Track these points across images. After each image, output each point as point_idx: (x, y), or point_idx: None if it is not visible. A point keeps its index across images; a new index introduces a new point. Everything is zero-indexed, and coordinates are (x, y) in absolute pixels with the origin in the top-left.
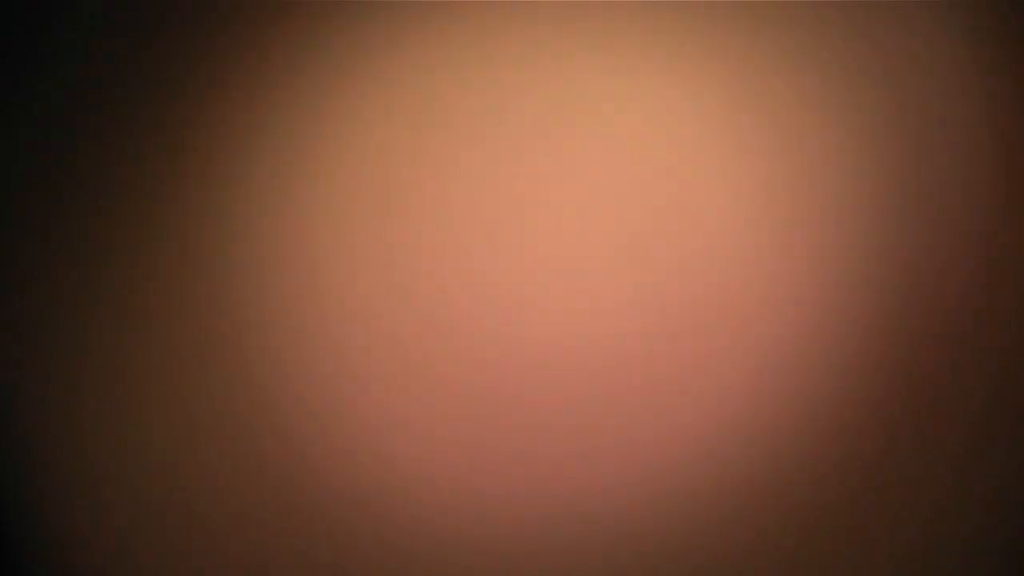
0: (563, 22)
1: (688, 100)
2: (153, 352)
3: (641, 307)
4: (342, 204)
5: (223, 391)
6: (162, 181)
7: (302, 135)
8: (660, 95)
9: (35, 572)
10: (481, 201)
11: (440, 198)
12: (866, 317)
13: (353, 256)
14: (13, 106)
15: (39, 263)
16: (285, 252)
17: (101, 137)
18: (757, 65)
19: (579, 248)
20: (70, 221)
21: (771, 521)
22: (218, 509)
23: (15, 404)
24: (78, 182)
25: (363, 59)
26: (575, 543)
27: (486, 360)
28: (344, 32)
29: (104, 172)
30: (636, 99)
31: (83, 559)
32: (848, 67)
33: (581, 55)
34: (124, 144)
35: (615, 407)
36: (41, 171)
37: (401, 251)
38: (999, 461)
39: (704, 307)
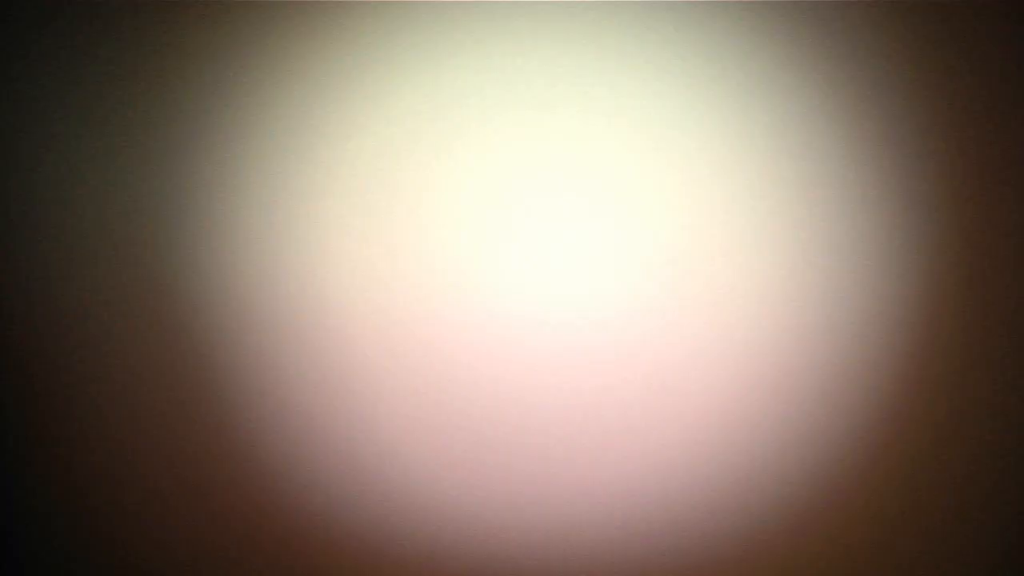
0: (559, 22)
1: (685, 99)
2: (144, 351)
3: (641, 307)
4: (340, 203)
5: (214, 391)
6: (156, 180)
7: (298, 134)
8: (657, 93)
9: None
10: (477, 201)
11: (437, 197)
12: (868, 314)
13: (351, 254)
14: (8, 103)
15: (34, 260)
16: (282, 250)
17: (94, 132)
18: (755, 64)
19: (578, 248)
20: (62, 216)
21: (773, 520)
22: (208, 508)
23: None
24: (72, 175)
25: (359, 58)
26: (574, 543)
27: (483, 359)
28: (340, 32)
29: (97, 169)
30: (633, 98)
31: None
32: (845, 67)
33: (577, 56)
34: (118, 142)
35: (615, 406)
36: (31, 164)
37: (399, 250)
38: (1002, 461)
39: (704, 306)
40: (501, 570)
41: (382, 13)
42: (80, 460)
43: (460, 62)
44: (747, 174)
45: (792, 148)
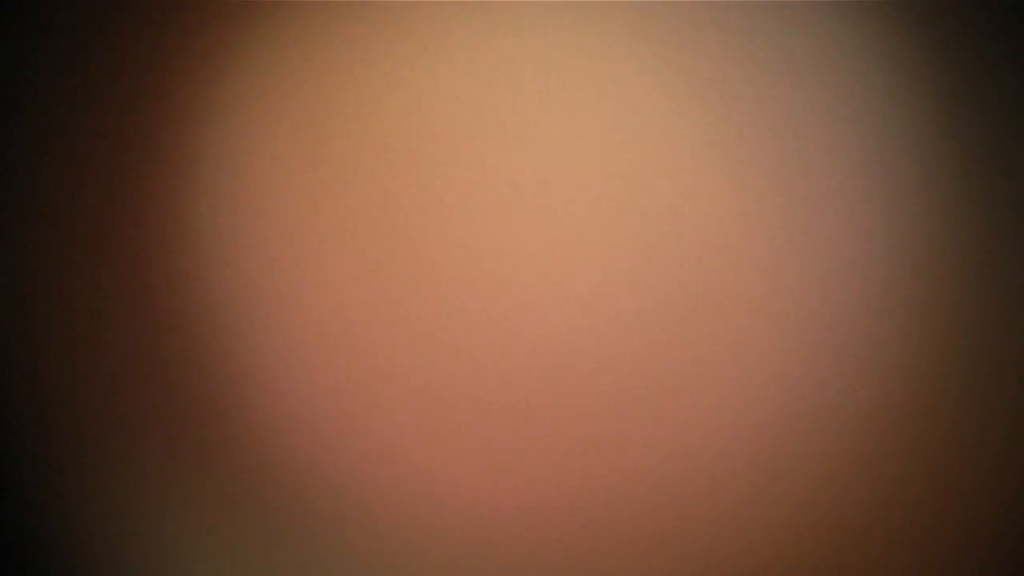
0: (561, 24)
1: (687, 99)
2: (142, 350)
3: (642, 309)
4: (340, 203)
5: (212, 391)
6: (157, 178)
7: (298, 134)
8: (659, 93)
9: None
10: (478, 202)
11: (439, 198)
12: (869, 316)
13: (351, 253)
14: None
15: (24, 258)
16: (282, 249)
17: (82, 130)
18: (753, 68)
19: (579, 249)
20: (44, 215)
21: (776, 522)
22: (207, 506)
23: None
24: (51, 174)
25: (360, 58)
26: (573, 544)
27: (484, 359)
28: (342, 30)
29: (85, 166)
30: (635, 97)
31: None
32: (847, 67)
33: (578, 57)
34: (118, 140)
35: (615, 408)
36: (24, 161)
37: (399, 250)
38: (1004, 460)
39: (705, 307)
40: (500, 567)
41: (381, 13)
42: (77, 459)
43: (460, 61)
44: (749, 174)
45: (795, 148)
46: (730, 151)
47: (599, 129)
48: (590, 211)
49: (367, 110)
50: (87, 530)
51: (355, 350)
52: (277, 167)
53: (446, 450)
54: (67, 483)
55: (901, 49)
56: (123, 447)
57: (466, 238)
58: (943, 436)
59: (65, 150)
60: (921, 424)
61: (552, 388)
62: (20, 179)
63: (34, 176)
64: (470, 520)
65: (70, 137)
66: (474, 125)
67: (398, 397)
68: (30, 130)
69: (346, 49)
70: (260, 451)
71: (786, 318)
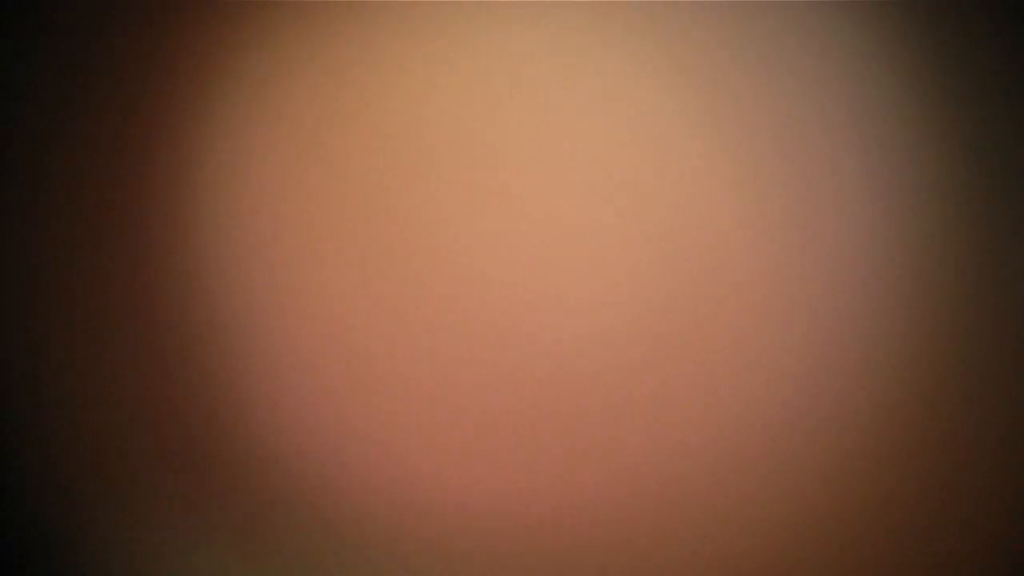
0: (561, 24)
1: (687, 99)
2: (142, 350)
3: (642, 309)
4: (340, 203)
5: (207, 393)
6: (157, 178)
7: (298, 134)
8: (661, 93)
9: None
10: (478, 203)
11: (439, 199)
12: (870, 316)
13: (352, 253)
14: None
15: (16, 258)
16: (282, 249)
17: (82, 130)
18: (754, 68)
19: (580, 250)
20: (45, 215)
21: (776, 524)
22: (206, 505)
23: None
24: (51, 174)
25: (360, 58)
26: (573, 545)
27: (484, 361)
28: (342, 30)
29: (85, 166)
30: (636, 98)
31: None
32: (849, 66)
33: (577, 57)
34: (118, 140)
35: (616, 409)
36: (24, 161)
37: (400, 251)
38: (1004, 460)
39: (706, 309)
40: (500, 568)
41: (381, 13)
42: (76, 460)
43: (460, 61)
44: (749, 174)
45: (795, 148)
46: (730, 151)
47: (600, 129)
48: (591, 212)
49: (367, 110)
50: (86, 530)
51: (355, 351)
52: (277, 167)
53: (446, 452)
54: (66, 483)
55: (901, 49)
56: (122, 447)
57: (466, 239)
58: (943, 436)
59: (65, 150)
60: (921, 424)
61: (553, 389)
62: (20, 179)
63: (34, 176)
64: (470, 522)
65: (70, 137)
66: (474, 125)
67: (398, 398)
68: (30, 130)
69: (346, 49)
70: (260, 451)
71: (786, 318)
